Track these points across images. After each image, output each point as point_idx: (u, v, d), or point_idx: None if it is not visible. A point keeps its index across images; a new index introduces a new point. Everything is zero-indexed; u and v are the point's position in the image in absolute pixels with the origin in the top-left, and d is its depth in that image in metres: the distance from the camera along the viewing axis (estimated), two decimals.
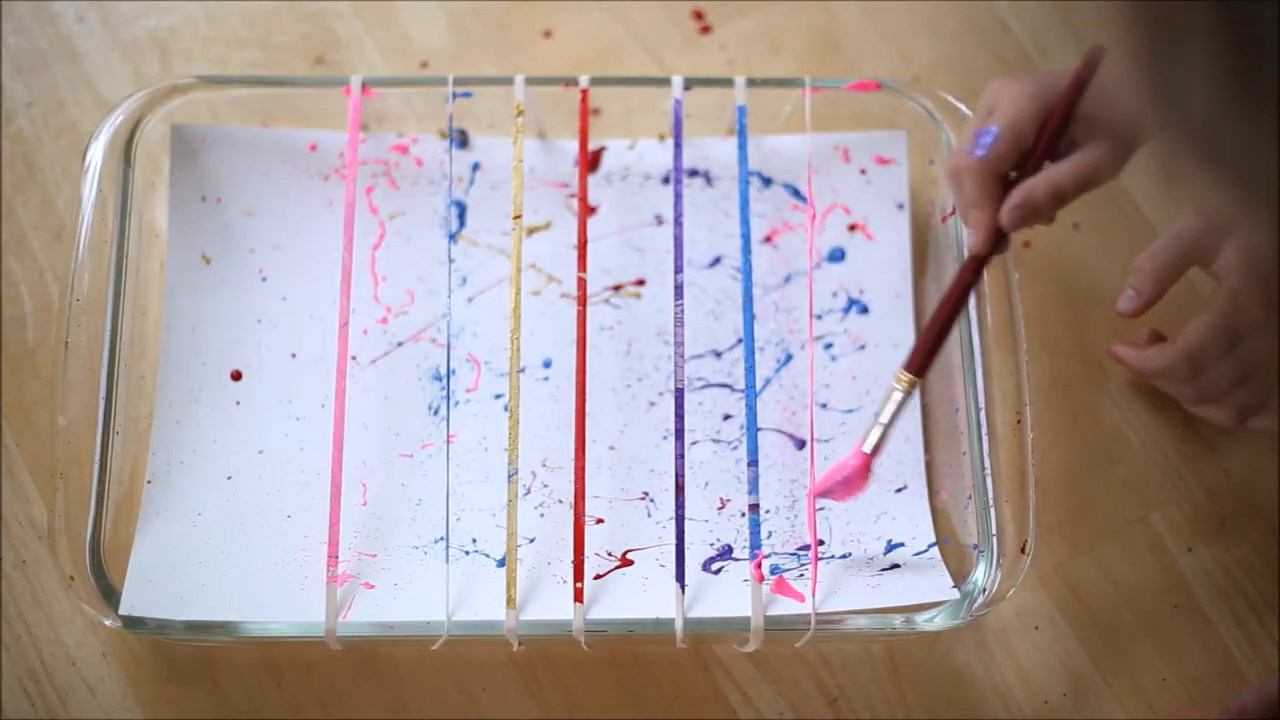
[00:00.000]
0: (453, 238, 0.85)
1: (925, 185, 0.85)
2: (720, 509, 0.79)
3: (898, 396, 0.73)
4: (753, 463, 0.74)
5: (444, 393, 0.81)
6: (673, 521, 0.76)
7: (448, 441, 0.78)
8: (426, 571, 0.76)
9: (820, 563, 0.76)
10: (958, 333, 0.78)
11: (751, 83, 0.82)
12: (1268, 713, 0.78)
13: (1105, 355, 0.85)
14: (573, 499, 0.74)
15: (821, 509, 0.79)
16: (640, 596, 0.74)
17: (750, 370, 0.76)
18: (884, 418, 0.73)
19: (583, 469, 0.74)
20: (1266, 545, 0.82)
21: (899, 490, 0.79)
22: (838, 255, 0.84)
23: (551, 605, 0.73)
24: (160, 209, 0.83)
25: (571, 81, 0.82)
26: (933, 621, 0.73)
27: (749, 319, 0.77)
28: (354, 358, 0.82)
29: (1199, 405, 0.81)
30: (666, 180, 0.86)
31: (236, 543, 0.76)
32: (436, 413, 0.81)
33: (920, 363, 0.73)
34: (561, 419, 0.81)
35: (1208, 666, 0.80)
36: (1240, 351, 0.78)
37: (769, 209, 0.85)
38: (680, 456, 0.74)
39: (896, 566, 0.76)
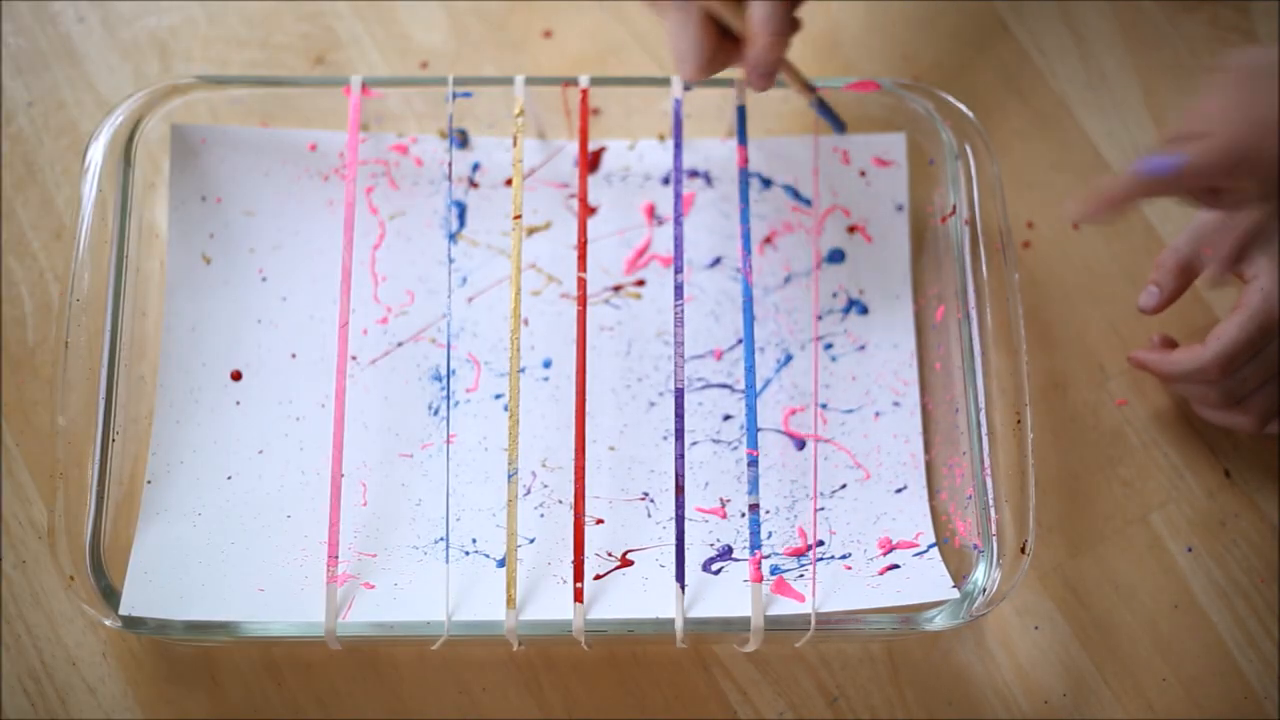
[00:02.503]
0: (453, 238, 0.85)
1: (925, 185, 0.85)
2: (720, 509, 0.79)
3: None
4: (753, 463, 0.74)
5: (444, 393, 0.81)
6: (672, 522, 0.76)
7: (447, 442, 0.78)
8: (426, 572, 0.76)
9: (820, 563, 0.76)
10: (958, 332, 0.78)
11: None
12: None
13: (1107, 357, 0.85)
14: (573, 499, 0.74)
15: (821, 509, 0.79)
16: (640, 597, 0.74)
17: (750, 370, 0.76)
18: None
19: (583, 469, 0.74)
20: (1266, 545, 0.82)
21: (899, 490, 0.79)
22: (837, 256, 0.84)
23: (551, 605, 0.73)
24: (160, 209, 0.83)
25: (571, 81, 0.82)
26: (933, 621, 0.73)
27: (749, 319, 0.77)
28: (354, 358, 0.82)
29: (1221, 408, 0.80)
30: (667, 181, 0.86)
31: (236, 543, 0.76)
32: (436, 413, 0.81)
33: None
34: (561, 419, 0.81)
35: (1208, 666, 0.80)
36: (1268, 353, 0.77)
37: (769, 210, 0.85)
38: (680, 456, 0.74)
39: (896, 567, 0.76)
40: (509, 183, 0.85)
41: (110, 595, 0.73)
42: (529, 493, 0.79)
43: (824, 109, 0.81)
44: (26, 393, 0.82)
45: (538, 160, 0.86)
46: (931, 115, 0.82)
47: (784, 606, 0.73)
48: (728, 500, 0.79)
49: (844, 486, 0.80)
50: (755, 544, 0.73)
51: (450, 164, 0.83)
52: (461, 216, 0.85)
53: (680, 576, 0.73)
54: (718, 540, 0.78)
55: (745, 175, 0.80)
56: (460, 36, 0.90)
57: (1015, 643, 0.80)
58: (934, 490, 0.79)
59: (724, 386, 0.82)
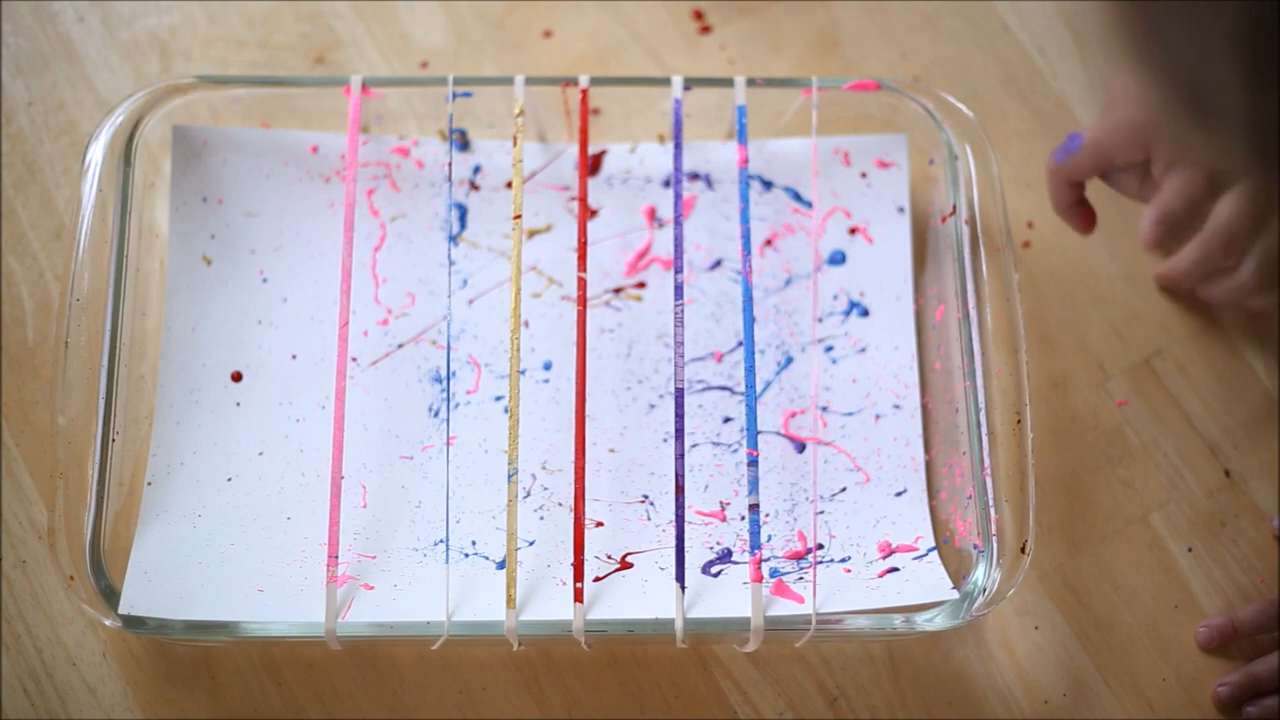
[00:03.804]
0: (453, 240, 0.85)
1: (925, 185, 0.85)
2: (720, 512, 0.79)
3: None
4: (753, 462, 0.74)
5: (444, 395, 0.81)
6: (672, 525, 0.76)
7: (448, 444, 0.78)
8: (426, 574, 0.76)
9: (819, 567, 0.76)
10: (958, 332, 0.78)
11: (752, 83, 0.82)
12: (1262, 629, 0.79)
13: (1107, 357, 0.85)
14: (573, 500, 0.74)
15: (822, 513, 0.79)
16: (640, 599, 0.74)
17: (750, 370, 0.76)
18: None
19: (582, 471, 0.74)
20: (1266, 545, 0.82)
21: (899, 494, 0.79)
22: (838, 258, 0.84)
23: (551, 606, 0.73)
24: (160, 209, 0.83)
25: (571, 81, 0.82)
26: (933, 621, 0.73)
27: (749, 319, 0.77)
28: (354, 359, 0.82)
29: (1260, 286, 0.80)
30: (667, 184, 0.86)
31: (236, 544, 0.76)
32: (436, 415, 0.81)
33: None
34: (561, 421, 0.81)
35: (1208, 666, 0.80)
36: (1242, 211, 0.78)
37: (770, 212, 0.85)
38: (680, 456, 0.74)
39: (895, 570, 0.76)
40: (510, 185, 0.85)
41: (110, 595, 0.73)
42: (529, 495, 0.79)
43: None
44: (26, 393, 0.82)
45: (539, 163, 0.86)
46: (931, 115, 0.82)
47: (783, 608, 0.73)
48: (727, 504, 0.79)
49: (844, 490, 0.79)
50: (755, 544, 0.73)
51: (451, 166, 0.83)
52: (462, 219, 0.85)
53: (680, 576, 0.73)
54: (717, 544, 0.78)
55: (745, 175, 0.80)
56: (460, 36, 0.90)
57: (1015, 643, 0.80)
58: (934, 490, 0.79)
59: (724, 389, 0.82)
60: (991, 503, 0.74)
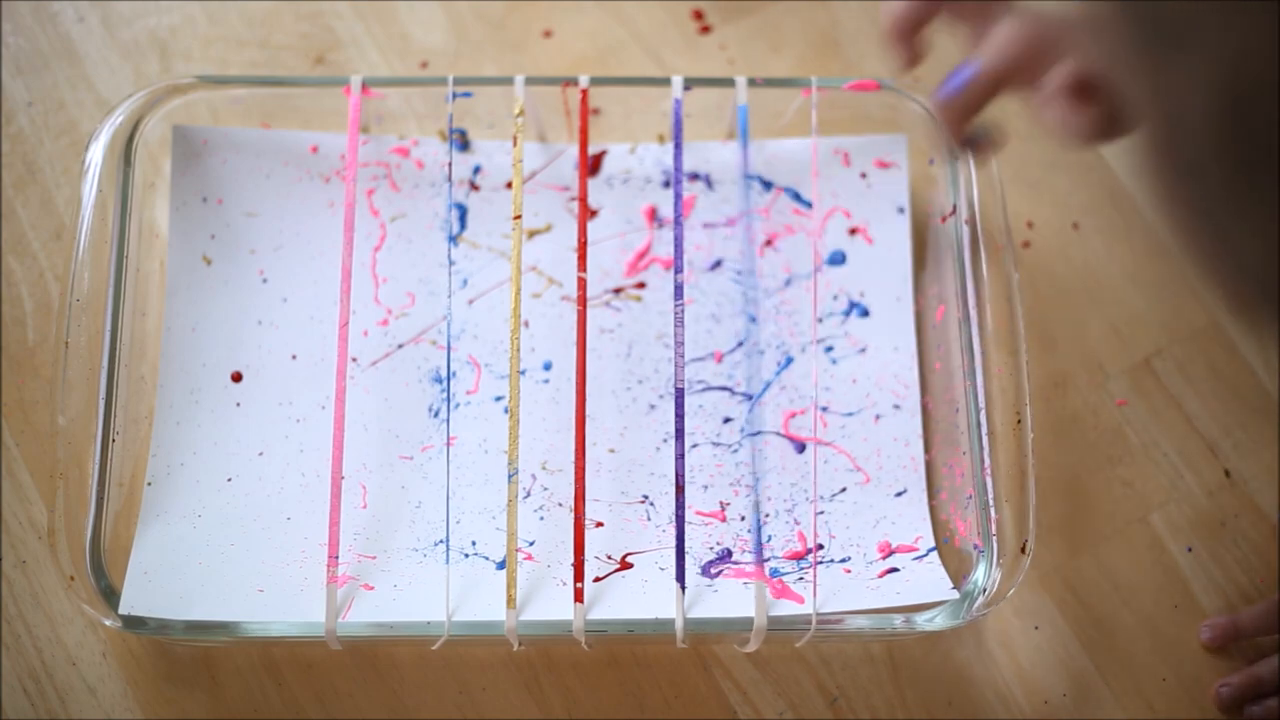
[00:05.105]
0: (453, 240, 0.85)
1: (925, 185, 0.85)
2: (720, 512, 0.79)
3: None
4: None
5: (444, 395, 0.81)
6: (672, 525, 0.76)
7: (448, 444, 0.78)
8: (426, 574, 0.76)
9: (820, 567, 0.76)
10: (958, 332, 0.78)
11: (752, 83, 0.82)
12: (1264, 631, 0.79)
13: (1107, 357, 0.85)
14: (573, 500, 0.74)
15: (822, 513, 0.79)
16: (640, 599, 0.74)
17: (754, 362, 0.76)
18: None
19: (583, 471, 0.74)
20: (1266, 545, 0.82)
21: (899, 494, 0.79)
22: (838, 259, 0.84)
23: (551, 607, 0.73)
24: (160, 209, 0.83)
25: (571, 81, 0.82)
26: (933, 621, 0.73)
27: (750, 321, 0.77)
28: (354, 359, 0.82)
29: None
30: (667, 184, 0.86)
31: (236, 544, 0.76)
32: (436, 415, 0.81)
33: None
34: (561, 421, 0.81)
35: (1208, 666, 0.80)
36: None
37: (770, 212, 0.85)
38: (680, 456, 0.74)
39: (895, 570, 0.76)
40: (510, 185, 0.85)
41: (110, 595, 0.73)
42: (529, 495, 0.79)
43: None
44: (26, 393, 0.82)
45: (539, 163, 0.86)
46: (931, 115, 0.82)
47: (784, 608, 0.73)
48: (727, 504, 0.79)
49: (844, 490, 0.79)
50: (758, 544, 0.73)
51: (451, 166, 0.83)
52: (462, 219, 0.85)
53: (680, 576, 0.73)
54: (717, 544, 0.78)
55: (747, 176, 0.80)
56: (460, 36, 0.90)
57: (1015, 643, 0.80)
58: (934, 490, 0.79)
59: (724, 389, 0.82)
60: (991, 503, 0.74)
